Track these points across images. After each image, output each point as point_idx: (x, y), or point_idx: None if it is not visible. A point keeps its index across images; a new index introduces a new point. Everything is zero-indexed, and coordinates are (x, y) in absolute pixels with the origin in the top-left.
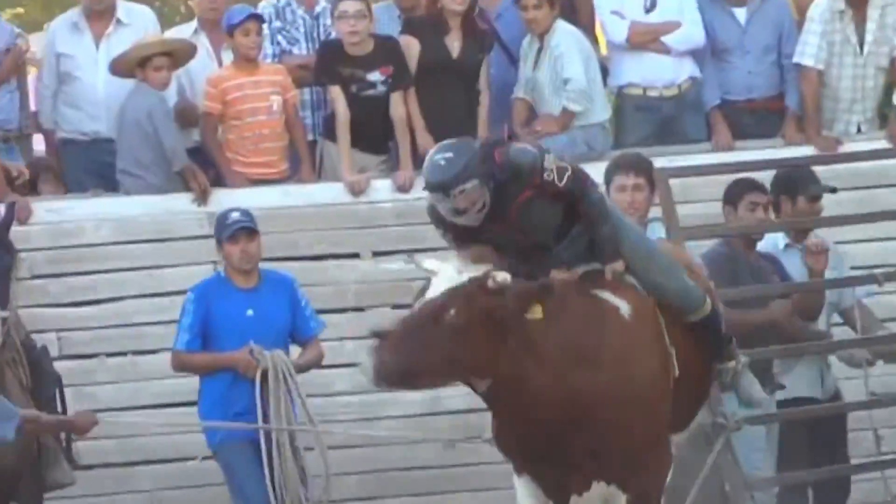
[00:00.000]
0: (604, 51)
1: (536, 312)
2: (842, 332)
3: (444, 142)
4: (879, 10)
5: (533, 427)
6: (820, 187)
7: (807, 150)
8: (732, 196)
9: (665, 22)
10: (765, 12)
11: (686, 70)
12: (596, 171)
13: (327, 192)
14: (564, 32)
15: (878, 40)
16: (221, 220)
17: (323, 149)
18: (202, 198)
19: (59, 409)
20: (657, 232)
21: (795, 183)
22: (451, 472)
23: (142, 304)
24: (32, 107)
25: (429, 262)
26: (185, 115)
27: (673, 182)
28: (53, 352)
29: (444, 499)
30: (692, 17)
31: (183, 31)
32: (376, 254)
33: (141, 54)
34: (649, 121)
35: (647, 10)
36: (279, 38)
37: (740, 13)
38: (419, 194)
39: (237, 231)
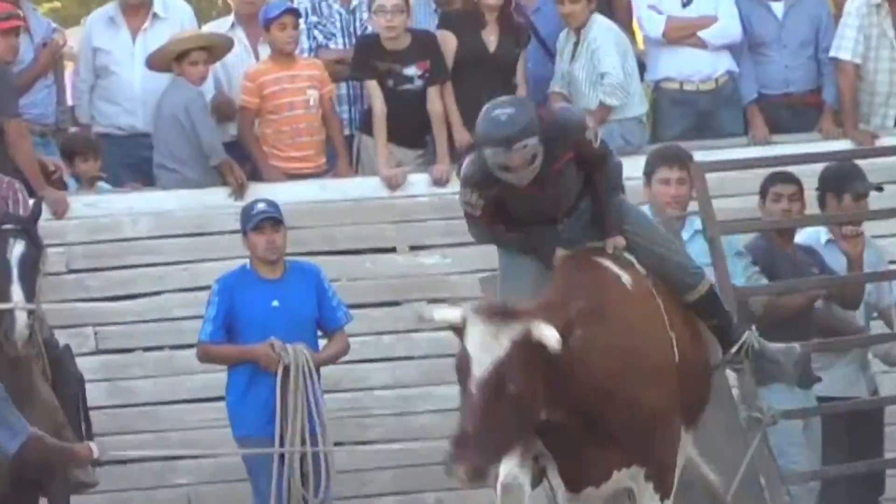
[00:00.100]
0: (640, 45)
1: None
2: (879, 329)
3: (498, 99)
4: None
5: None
6: (866, 185)
7: (844, 145)
8: (762, 188)
9: (701, 16)
10: (802, 6)
11: (723, 64)
12: (633, 166)
13: (364, 187)
14: (601, 26)
15: None
16: (247, 211)
17: (360, 143)
18: (239, 192)
19: (80, 410)
20: (695, 226)
21: (842, 180)
22: None
23: (179, 299)
24: (69, 101)
25: (441, 313)
26: (222, 110)
27: (710, 176)
28: (90, 346)
29: (480, 494)
30: (729, 11)
31: (220, 26)
32: (413, 248)
33: (178, 49)
34: (686, 115)
35: (684, 5)
36: (315, 32)
37: (777, 7)
38: (456, 188)
39: (262, 221)
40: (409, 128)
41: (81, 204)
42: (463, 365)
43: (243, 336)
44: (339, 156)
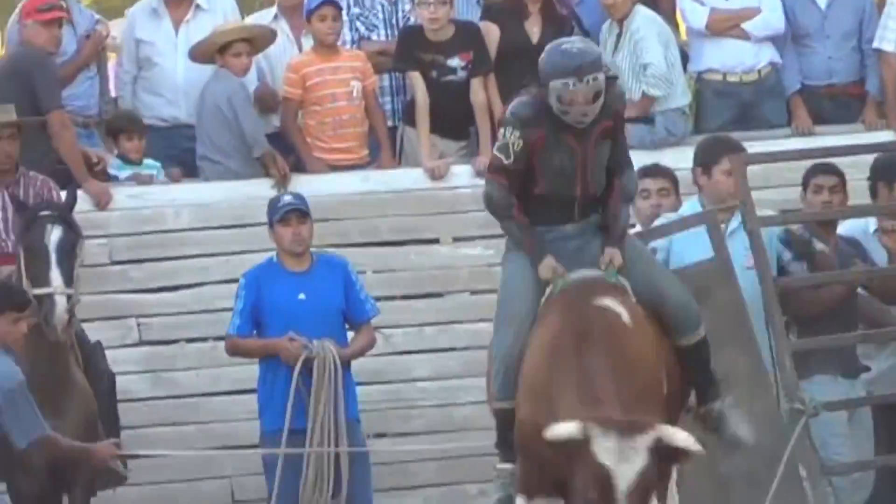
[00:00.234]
0: (683, 36)
1: None
2: None
3: (563, 38)
4: None
5: None
6: None
7: (887, 136)
8: (804, 180)
9: (744, 8)
10: None
11: (766, 55)
12: (676, 156)
13: (407, 178)
14: (644, 18)
15: None
16: (273, 204)
17: (403, 134)
18: (282, 183)
19: (109, 407)
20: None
21: (894, 169)
22: None
23: (222, 290)
24: (112, 93)
25: (557, 430)
26: (265, 101)
27: (754, 168)
28: (133, 338)
29: None
30: (772, 2)
31: (263, 17)
32: (456, 239)
33: (221, 40)
34: (729, 106)
35: None
36: (358, 24)
37: None
38: None
39: (288, 213)
40: (452, 119)
41: (124, 195)
42: (597, 477)
43: (270, 329)
44: (383, 147)
